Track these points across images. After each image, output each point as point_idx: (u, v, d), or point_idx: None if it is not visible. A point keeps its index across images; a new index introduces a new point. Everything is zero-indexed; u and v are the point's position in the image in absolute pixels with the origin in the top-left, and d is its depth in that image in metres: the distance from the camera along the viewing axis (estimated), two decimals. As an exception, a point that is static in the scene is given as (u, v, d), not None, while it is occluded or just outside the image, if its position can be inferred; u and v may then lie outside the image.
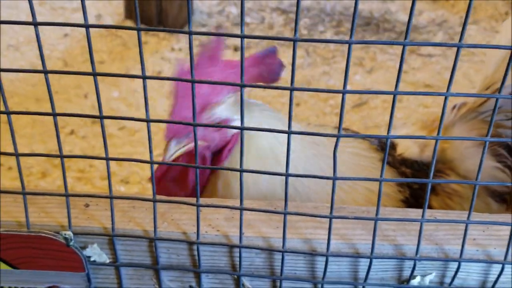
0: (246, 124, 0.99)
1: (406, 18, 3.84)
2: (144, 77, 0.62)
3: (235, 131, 1.00)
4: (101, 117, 0.64)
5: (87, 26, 0.59)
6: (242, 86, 0.61)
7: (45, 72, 0.63)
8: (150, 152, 0.66)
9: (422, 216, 0.68)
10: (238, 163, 0.96)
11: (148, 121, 0.64)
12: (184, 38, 3.49)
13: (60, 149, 0.68)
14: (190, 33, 0.58)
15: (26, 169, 2.38)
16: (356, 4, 0.54)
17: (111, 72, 3.12)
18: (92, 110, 2.76)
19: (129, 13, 3.64)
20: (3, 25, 3.50)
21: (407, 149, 1.11)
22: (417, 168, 1.11)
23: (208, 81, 0.63)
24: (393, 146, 1.13)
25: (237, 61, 0.98)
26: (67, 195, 0.70)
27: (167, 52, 3.35)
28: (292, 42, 0.56)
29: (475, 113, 1.16)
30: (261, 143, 0.99)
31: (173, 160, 1.00)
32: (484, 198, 1.18)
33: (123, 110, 2.79)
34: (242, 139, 0.66)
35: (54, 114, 0.65)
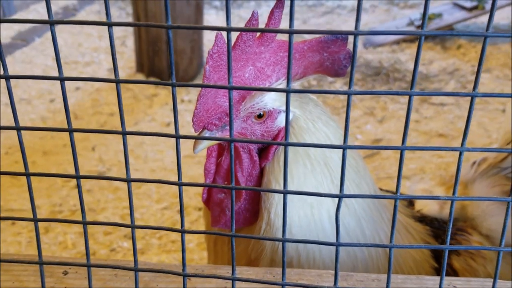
0: (300, 117, 0.88)
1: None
2: (124, 133, 0.56)
3: (282, 123, 0.87)
4: (78, 177, 0.58)
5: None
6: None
7: (18, 128, 0.57)
8: (131, 215, 0.59)
9: (440, 286, 0.59)
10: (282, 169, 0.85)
11: (128, 180, 0.58)
12: (194, 90, 3.50)
13: (34, 212, 0.61)
14: (173, 85, 0.53)
15: (30, 224, 2.32)
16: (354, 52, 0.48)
17: (119, 125, 3.11)
18: (99, 163, 2.72)
19: (141, 66, 3.68)
20: (17, 80, 3.56)
21: (426, 205, 1.03)
22: (437, 225, 1.02)
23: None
24: (411, 202, 1.05)
25: (297, 43, 0.82)
26: (41, 263, 0.63)
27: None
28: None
29: (496, 168, 1.08)
30: (311, 142, 0.86)
31: (208, 154, 0.88)
32: (507, 259, 1.08)
33: (131, 162, 2.75)
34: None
35: (28, 174, 0.59)
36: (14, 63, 3.92)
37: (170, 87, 3.81)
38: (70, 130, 0.57)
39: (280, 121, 0.87)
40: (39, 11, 4.97)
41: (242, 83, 0.82)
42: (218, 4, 5.34)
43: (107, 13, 0.52)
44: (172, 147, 2.86)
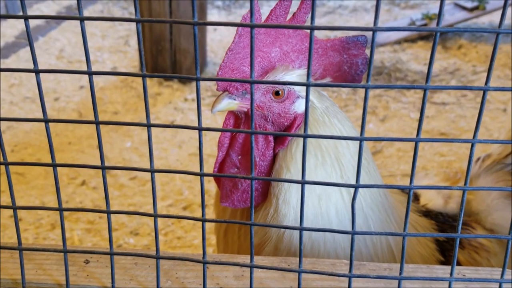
0: (317, 109, 0.90)
1: (417, 67, 3.85)
2: (148, 125, 0.59)
3: (299, 109, 0.89)
4: (103, 168, 0.61)
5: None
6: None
7: (46, 121, 0.60)
8: (154, 204, 0.62)
9: (451, 274, 0.61)
10: (296, 156, 0.87)
11: (152, 171, 0.60)
12: (197, 89, 3.53)
13: (59, 202, 0.64)
14: (197, 79, 0.55)
15: (36, 221, 2.35)
16: (372, 50, 0.51)
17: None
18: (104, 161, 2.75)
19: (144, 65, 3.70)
20: (21, 79, 3.58)
21: (431, 200, 1.06)
22: (442, 220, 1.05)
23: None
24: (416, 197, 1.08)
25: (321, 40, 0.87)
26: (65, 251, 0.66)
27: (180, 103, 3.38)
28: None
29: (500, 164, 1.11)
30: (324, 134, 0.88)
31: (223, 127, 0.90)
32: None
33: (136, 160, 2.77)
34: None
35: (54, 165, 0.62)
36: (19, 62, 3.94)
37: (174, 87, 3.81)
38: (97, 123, 0.59)
39: (298, 106, 0.89)
40: (42, 11, 4.99)
41: (266, 59, 0.87)
42: (220, 4, 5.36)
43: (136, 10, 0.55)
44: (176, 146, 2.88)
